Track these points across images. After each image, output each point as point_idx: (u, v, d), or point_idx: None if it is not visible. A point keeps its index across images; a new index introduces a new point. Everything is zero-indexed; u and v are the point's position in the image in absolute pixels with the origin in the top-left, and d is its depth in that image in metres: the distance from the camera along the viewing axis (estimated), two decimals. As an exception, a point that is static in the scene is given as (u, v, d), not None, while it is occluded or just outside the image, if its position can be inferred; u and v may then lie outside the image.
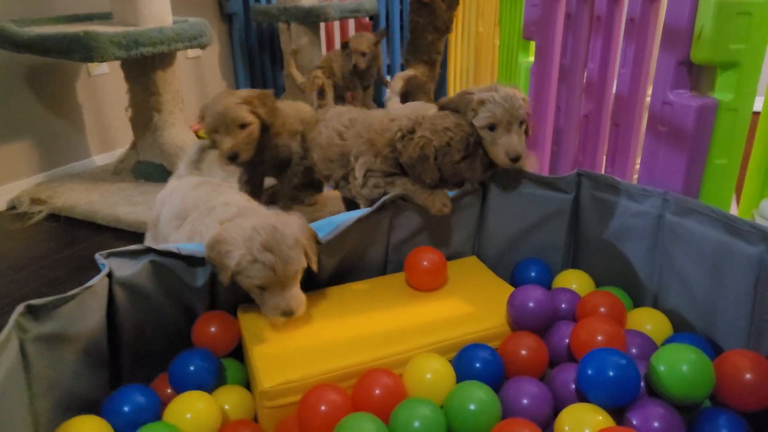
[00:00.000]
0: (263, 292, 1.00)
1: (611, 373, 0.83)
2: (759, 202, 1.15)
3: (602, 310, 1.02)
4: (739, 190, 1.22)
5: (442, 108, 1.20)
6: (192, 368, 0.94)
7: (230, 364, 1.02)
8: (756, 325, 0.90)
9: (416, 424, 0.81)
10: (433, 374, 0.91)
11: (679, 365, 0.83)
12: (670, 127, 1.12)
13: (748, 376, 0.81)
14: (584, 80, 1.41)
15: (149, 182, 2.21)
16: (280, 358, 0.95)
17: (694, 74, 1.10)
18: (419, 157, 1.14)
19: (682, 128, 1.10)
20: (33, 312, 0.77)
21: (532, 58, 1.62)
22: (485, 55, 2.21)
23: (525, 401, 0.87)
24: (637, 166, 1.28)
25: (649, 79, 1.21)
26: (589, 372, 0.85)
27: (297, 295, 1.01)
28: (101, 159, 2.52)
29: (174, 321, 1.04)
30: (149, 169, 2.22)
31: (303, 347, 0.98)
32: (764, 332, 0.88)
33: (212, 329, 1.01)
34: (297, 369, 0.92)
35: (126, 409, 0.86)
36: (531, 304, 1.00)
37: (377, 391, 0.88)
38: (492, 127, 1.12)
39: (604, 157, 1.39)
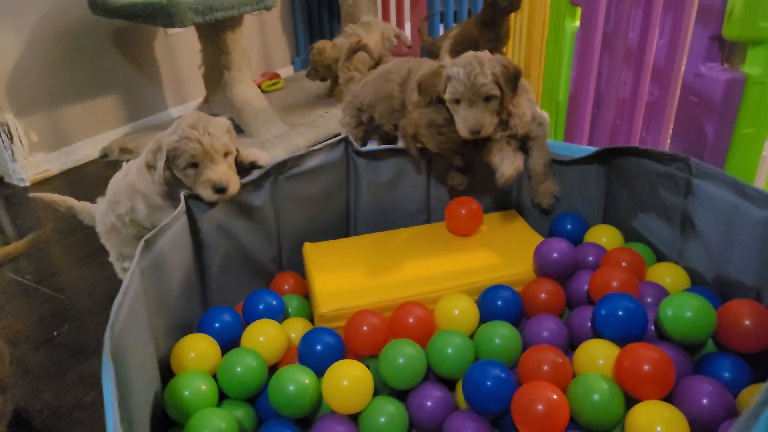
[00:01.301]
0: (196, 172, 1.10)
1: (621, 313, 0.96)
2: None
3: (623, 264, 1.13)
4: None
5: (419, 85, 1.25)
6: (261, 306, 1.13)
7: (297, 299, 1.22)
8: (760, 283, 0.99)
9: (450, 350, 0.99)
10: (460, 311, 1.08)
11: (684, 310, 0.94)
12: (700, 98, 1.21)
13: (747, 322, 0.91)
14: (625, 48, 1.48)
15: (221, 134, 2.41)
16: (336, 288, 1.15)
17: (726, 49, 1.18)
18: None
19: (711, 99, 1.18)
20: (147, 245, 0.98)
21: (577, 24, 1.69)
22: (539, 13, 2.25)
23: (545, 334, 1.02)
24: (670, 132, 1.37)
25: (685, 51, 1.29)
26: (603, 312, 0.98)
27: (227, 173, 1.11)
28: (177, 111, 2.74)
29: (252, 249, 1.24)
30: (221, 123, 2.42)
31: (354, 281, 1.18)
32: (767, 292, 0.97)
33: (285, 287, 1.25)
34: (349, 298, 1.12)
35: (216, 325, 1.07)
36: (555, 255, 1.13)
37: (411, 320, 1.06)
38: (457, 101, 1.18)
39: (640, 124, 1.48)
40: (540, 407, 0.84)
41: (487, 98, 1.16)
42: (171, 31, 2.61)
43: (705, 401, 0.86)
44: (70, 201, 1.46)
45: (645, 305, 1.07)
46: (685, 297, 0.96)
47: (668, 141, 1.39)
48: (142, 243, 0.97)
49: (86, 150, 2.42)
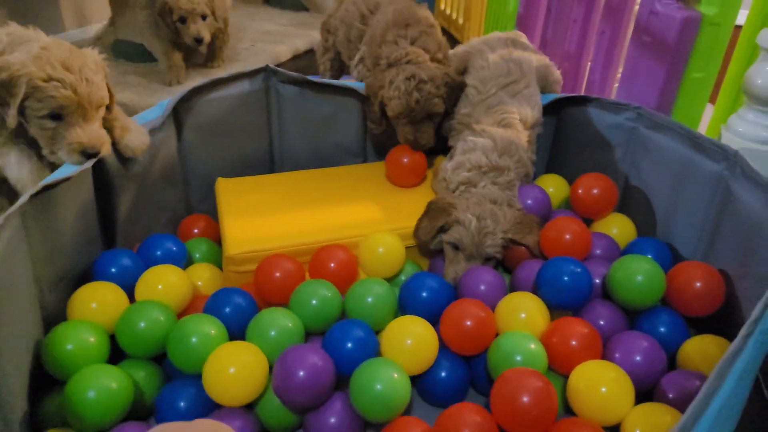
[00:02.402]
0: (59, 126, 0.87)
1: (566, 279, 0.91)
2: (728, 118, 1.20)
3: (594, 191, 1.10)
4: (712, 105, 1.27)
5: (427, 207, 1.06)
6: (159, 253, 0.99)
7: (206, 243, 1.08)
8: (705, 236, 0.98)
9: (369, 299, 0.91)
10: (385, 249, 1.00)
11: (634, 275, 0.90)
12: (653, 38, 1.15)
13: (698, 284, 0.88)
14: (577, -17, 1.39)
15: (129, 62, 2.15)
16: (249, 228, 1.03)
17: (684, -15, 1.11)
18: (368, 96, 1.17)
19: (665, 39, 1.12)
20: (38, 190, 0.82)
21: (527, -44, 1.58)
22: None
23: (482, 287, 0.95)
24: (618, 75, 1.31)
25: (641, -14, 1.21)
26: (546, 277, 0.93)
27: (100, 133, 0.89)
28: (76, 34, 2.42)
29: (160, 188, 1.10)
30: (129, 49, 2.16)
31: (272, 221, 1.05)
32: (714, 242, 0.96)
33: (195, 231, 1.12)
34: (262, 240, 1.00)
35: (113, 270, 0.93)
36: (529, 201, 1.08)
37: (332, 264, 0.97)
38: (455, 247, 1.02)
39: (588, 64, 1.41)
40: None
41: (489, 258, 1.03)
42: (69, -62, 2.27)
43: (638, 358, 0.84)
44: None
45: (594, 258, 1.03)
46: (635, 260, 0.92)
47: (616, 85, 1.33)
48: (39, 186, 0.81)
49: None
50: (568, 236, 1.00)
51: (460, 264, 1.02)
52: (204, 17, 1.85)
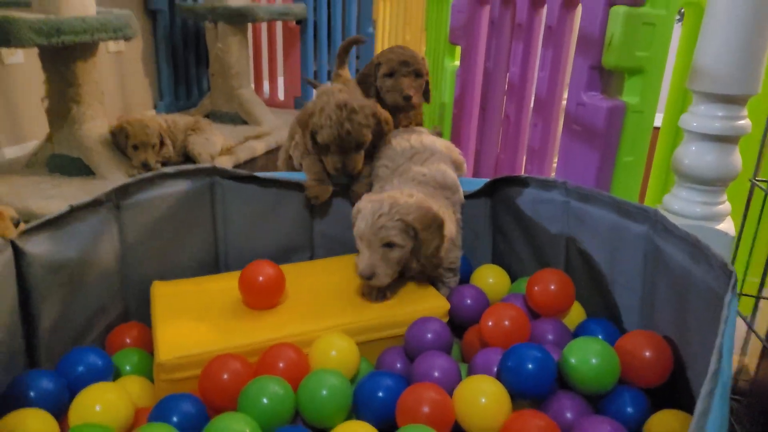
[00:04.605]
0: None
1: (530, 366, 0.86)
2: (662, 198, 1.26)
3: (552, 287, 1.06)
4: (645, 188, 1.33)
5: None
6: (81, 368, 0.90)
7: (138, 354, 1.00)
8: (645, 301, 0.97)
9: (324, 392, 0.84)
10: (338, 352, 0.94)
11: (588, 357, 0.87)
12: (583, 127, 1.22)
13: (647, 353, 0.86)
14: (506, 83, 1.49)
15: (64, 176, 2.11)
16: (183, 332, 0.95)
17: (605, 78, 1.20)
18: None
19: (594, 128, 1.19)
20: None
21: (457, 62, 1.70)
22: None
23: (436, 374, 0.90)
24: (554, 164, 1.37)
25: (565, 82, 1.30)
26: (509, 364, 0.88)
27: None
28: (11, 152, 2.37)
29: (92, 295, 1.02)
30: (65, 163, 2.12)
31: (209, 324, 0.98)
32: (653, 308, 0.95)
33: (127, 341, 1.03)
34: (198, 344, 0.92)
35: (32, 394, 0.82)
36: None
37: (281, 364, 0.89)
38: (361, 239, 1.03)
39: (524, 156, 1.48)
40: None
41: (389, 245, 1.02)
42: (9, 59, 2.29)
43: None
44: None
45: (546, 344, 1.00)
46: (587, 343, 0.90)
47: (552, 174, 1.38)
48: None
49: None
50: (507, 323, 0.98)
51: (362, 254, 1.02)
52: (154, 146, 2.17)
